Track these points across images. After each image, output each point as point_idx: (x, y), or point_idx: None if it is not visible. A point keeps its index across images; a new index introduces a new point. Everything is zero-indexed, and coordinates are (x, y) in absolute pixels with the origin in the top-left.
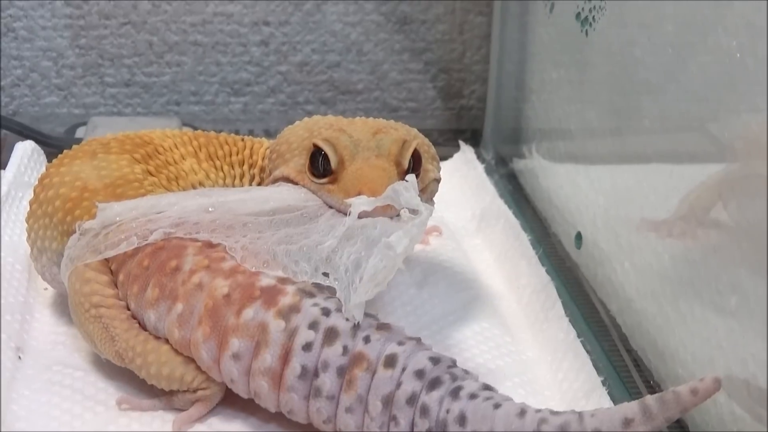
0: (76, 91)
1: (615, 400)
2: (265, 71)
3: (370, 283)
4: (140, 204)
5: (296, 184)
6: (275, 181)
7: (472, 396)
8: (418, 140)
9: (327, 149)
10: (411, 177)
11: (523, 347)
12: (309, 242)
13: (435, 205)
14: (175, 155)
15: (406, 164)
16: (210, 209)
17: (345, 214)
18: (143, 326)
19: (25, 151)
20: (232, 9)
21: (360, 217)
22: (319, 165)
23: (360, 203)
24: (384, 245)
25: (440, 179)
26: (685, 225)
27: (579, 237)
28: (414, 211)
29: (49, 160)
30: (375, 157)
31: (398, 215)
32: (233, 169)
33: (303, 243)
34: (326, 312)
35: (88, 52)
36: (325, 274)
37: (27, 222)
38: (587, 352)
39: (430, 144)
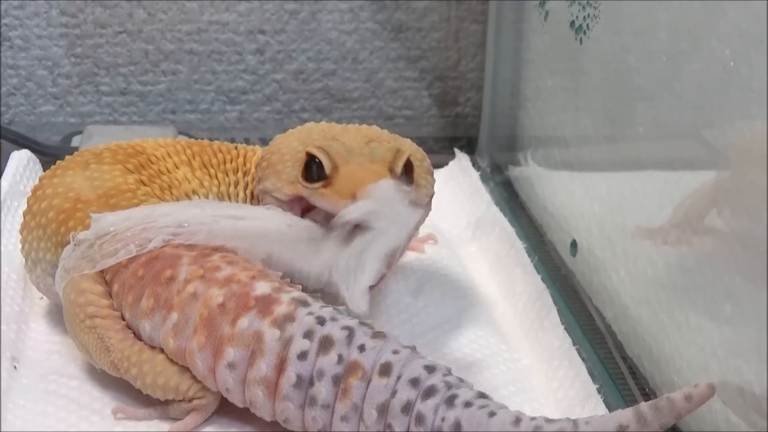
0: (72, 99)
1: (610, 408)
2: (261, 79)
3: (376, 265)
4: (133, 214)
5: (287, 194)
6: (265, 191)
7: (467, 404)
8: (412, 150)
9: (320, 156)
10: (386, 181)
11: (518, 355)
12: (305, 266)
13: (430, 213)
14: (168, 164)
15: (399, 171)
16: (204, 223)
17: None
18: (138, 336)
19: (20, 160)
20: (227, 17)
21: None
22: (314, 172)
23: (348, 211)
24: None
25: (434, 194)
26: (680, 232)
27: (574, 245)
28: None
29: (45, 169)
30: (369, 162)
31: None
32: (227, 176)
33: (300, 267)
34: (321, 321)
35: (83, 61)
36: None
37: (21, 233)
38: (582, 359)
39: (424, 157)
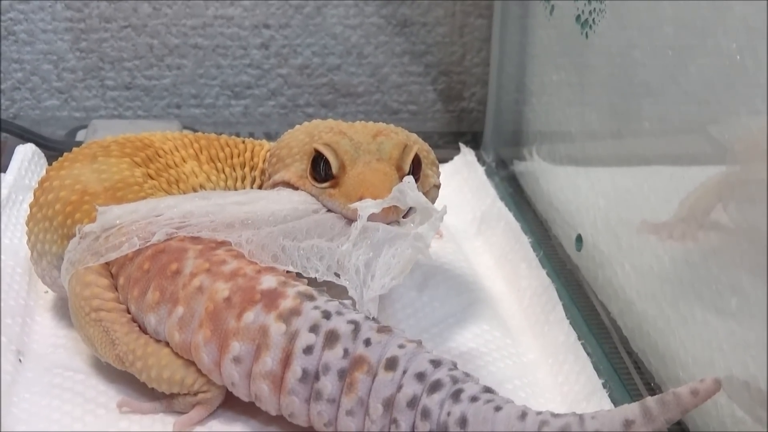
0: (77, 94)
1: (616, 403)
2: (266, 74)
3: (387, 277)
4: (140, 207)
5: (297, 188)
6: (275, 185)
7: (473, 399)
8: (419, 145)
9: (328, 154)
10: (409, 177)
11: (523, 350)
12: (319, 242)
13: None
14: (175, 158)
15: (407, 169)
16: (209, 213)
17: (346, 218)
18: (144, 329)
19: (25, 154)
20: (232, 12)
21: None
22: (321, 169)
23: (367, 206)
24: (413, 237)
25: (440, 185)
26: (685, 227)
27: (579, 239)
28: (425, 214)
29: (50, 163)
30: (376, 161)
31: (398, 222)
32: (234, 171)
33: (314, 242)
34: (327, 315)
35: (88, 56)
36: (336, 274)
37: (27, 225)
38: (588, 354)
39: (430, 149)
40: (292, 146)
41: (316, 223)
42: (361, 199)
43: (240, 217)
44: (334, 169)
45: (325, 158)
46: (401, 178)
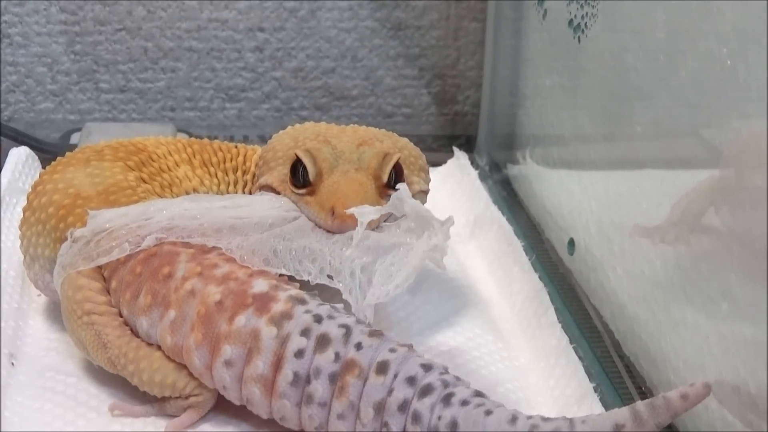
0: (71, 97)
1: (607, 406)
2: (260, 77)
3: (390, 285)
4: (130, 211)
5: (278, 193)
6: (261, 188)
7: (464, 402)
8: (404, 153)
9: (306, 161)
10: (403, 185)
11: (515, 353)
12: (311, 243)
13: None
14: (169, 162)
15: (385, 178)
16: (197, 216)
17: (318, 226)
18: (136, 333)
19: (19, 156)
20: (226, 15)
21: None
22: (300, 176)
23: (366, 212)
24: (430, 249)
25: (428, 191)
26: (677, 231)
27: (572, 243)
28: (421, 222)
29: (44, 166)
30: (354, 170)
31: (380, 227)
32: (227, 175)
33: (306, 244)
34: (318, 319)
35: (83, 58)
36: (329, 276)
37: (20, 229)
38: (579, 358)
39: (420, 155)
40: (278, 150)
41: (300, 228)
42: (333, 207)
43: (228, 222)
44: (312, 176)
45: (304, 165)
46: (379, 188)
